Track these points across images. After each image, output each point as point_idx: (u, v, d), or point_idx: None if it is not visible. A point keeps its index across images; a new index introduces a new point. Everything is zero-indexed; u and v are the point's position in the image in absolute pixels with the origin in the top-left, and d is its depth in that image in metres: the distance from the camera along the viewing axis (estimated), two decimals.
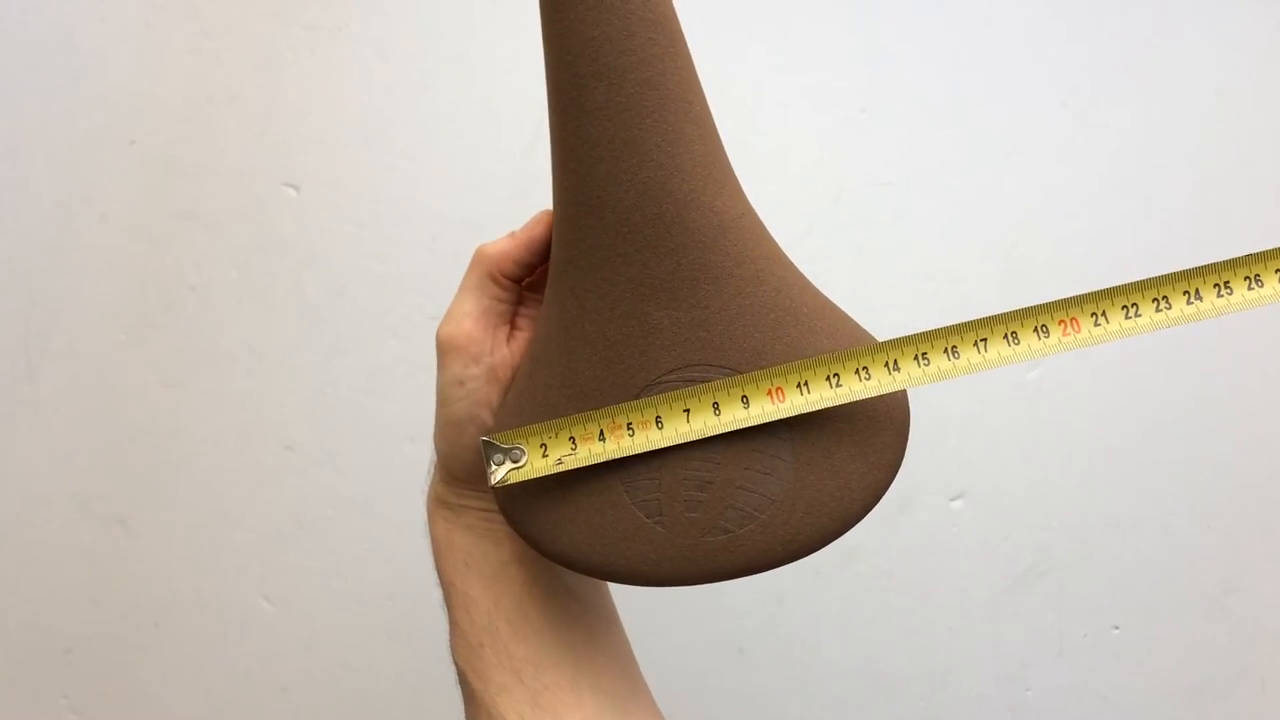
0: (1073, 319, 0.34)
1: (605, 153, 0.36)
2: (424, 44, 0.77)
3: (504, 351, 0.39)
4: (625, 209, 0.36)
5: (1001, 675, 0.79)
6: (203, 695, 0.78)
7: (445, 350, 0.38)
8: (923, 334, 0.34)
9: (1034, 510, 0.79)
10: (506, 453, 0.35)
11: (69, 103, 0.77)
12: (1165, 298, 0.34)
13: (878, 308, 0.78)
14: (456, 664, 0.40)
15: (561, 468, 0.34)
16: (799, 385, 0.34)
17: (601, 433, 0.35)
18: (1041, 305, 0.34)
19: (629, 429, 0.34)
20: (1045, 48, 0.79)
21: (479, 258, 0.39)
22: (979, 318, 0.34)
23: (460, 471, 0.40)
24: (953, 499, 0.78)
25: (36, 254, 0.77)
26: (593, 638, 0.40)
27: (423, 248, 0.77)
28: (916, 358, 0.34)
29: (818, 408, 0.34)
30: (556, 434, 0.35)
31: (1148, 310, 0.34)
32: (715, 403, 0.34)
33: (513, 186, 0.77)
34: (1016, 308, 0.34)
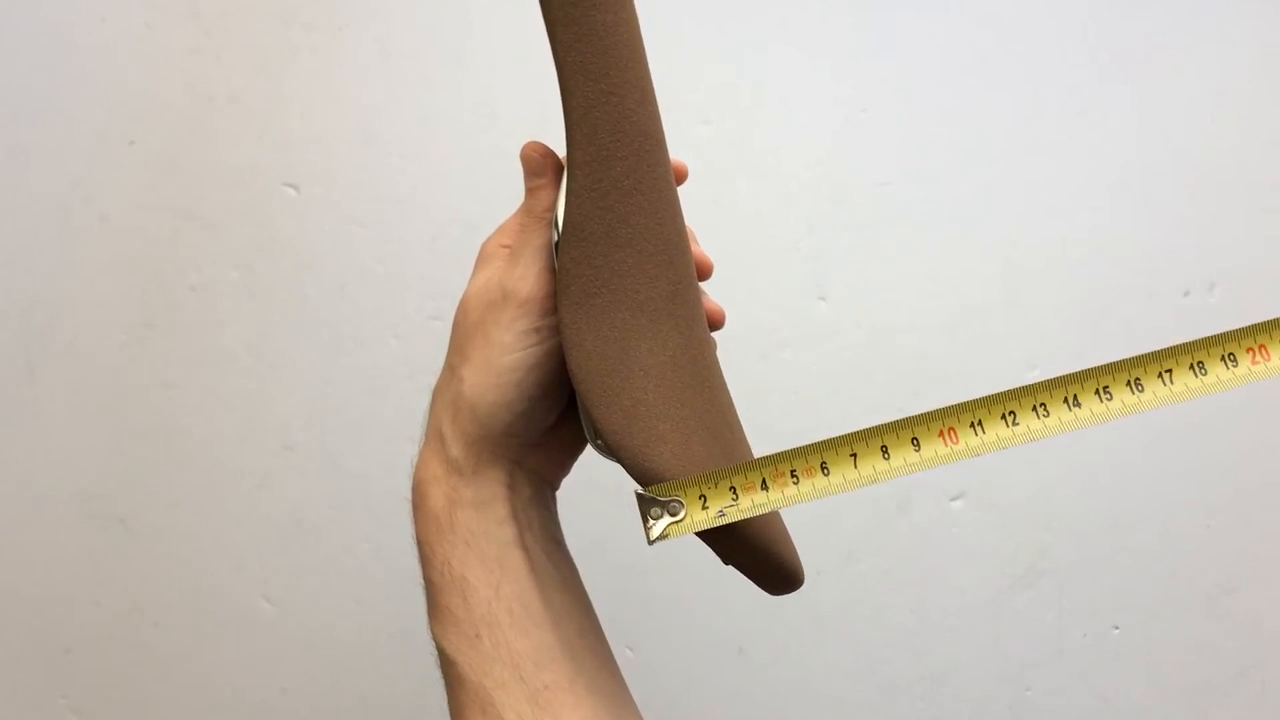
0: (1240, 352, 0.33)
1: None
2: (424, 44, 0.77)
3: None
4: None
5: (1001, 675, 0.79)
6: (203, 695, 0.78)
7: (523, 303, 0.38)
8: (1101, 367, 0.33)
9: (1034, 510, 0.79)
10: (664, 505, 0.34)
11: (69, 103, 0.77)
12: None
13: (878, 307, 0.78)
14: (443, 649, 0.39)
15: (723, 520, 0.33)
16: (972, 425, 0.33)
17: (764, 481, 0.34)
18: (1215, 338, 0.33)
19: (793, 476, 0.34)
20: (1045, 48, 0.79)
21: (539, 220, 0.39)
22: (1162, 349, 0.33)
23: (506, 421, 0.38)
24: (953, 499, 0.78)
25: (36, 254, 0.77)
26: (585, 634, 0.39)
27: (423, 248, 0.77)
28: (1098, 391, 0.33)
29: (993, 450, 0.33)
30: (716, 484, 0.33)
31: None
32: (884, 446, 0.33)
33: (513, 186, 0.77)
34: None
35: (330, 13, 0.77)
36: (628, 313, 0.36)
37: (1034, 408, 0.33)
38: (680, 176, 0.43)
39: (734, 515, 0.33)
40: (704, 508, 0.33)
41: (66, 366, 0.77)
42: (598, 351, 0.36)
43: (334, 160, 0.77)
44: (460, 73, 0.77)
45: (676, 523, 0.33)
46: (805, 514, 0.78)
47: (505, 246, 0.41)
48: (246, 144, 0.77)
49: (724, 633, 0.78)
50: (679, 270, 0.38)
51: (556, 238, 0.38)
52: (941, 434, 0.33)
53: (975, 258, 0.78)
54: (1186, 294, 0.79)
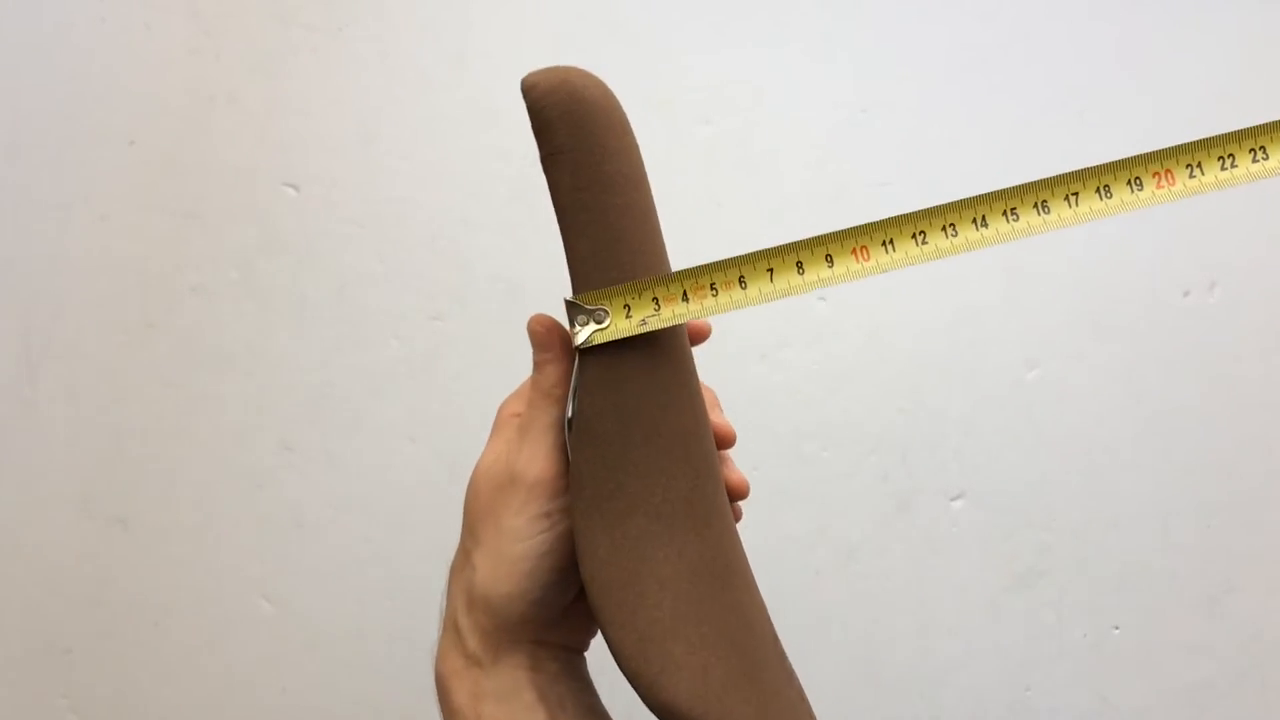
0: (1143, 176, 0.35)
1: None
2: (424, 44, 0.77)
3: None
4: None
5: (1001, 675, 0.79)
6: (203, 695, 0.78)
7: (531, 486, 0.37)
8: (1009, 189, 0.35)
9: (1034, 510, 0.79)
10: (590, 314, 0.35)
11: (69, 103, 0.77)
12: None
13: (878, 307, 0.78)
14: None
15: (645, 328, 0.34)
16: (884, 244, 0.34)
17: (685, 293, 0.35)
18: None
19: (713, 289, 0.35)
20: (1045, 47, 0.79)
21: (546, 396, 0.38)
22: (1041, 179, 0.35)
23: (520, 612, 0.37)
24: (953, 499, 0.78)
25: (36, 254, 0.77)
26: None
27: (423, 248, 0.77)
28: (1005, 213, 0.34)
29: (904, 266, 0.34)
30: (640, 295, 0.35)
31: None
32: (799, 261, 0.35)
33: (513, 186, 0.77)
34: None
35: (330, 13, 0.77)
36: (644, 518, 0.35)
37: (943, 228, 0.34)
38: (702, 334, 0.42)
39: (654, 324, 0.34)
40: (628, 317, 0.35)
41: (66, 366, 0.77)
42: (612, 561, 0.35)
43: (334, 160, 0.77)
44: (460, 73, 0.77)
45: (601, 330, 0.35)
46: (805, 514, 0.78)
47: (517, 415, 0.40)
48: (246, 144, 0.77)
49: None
50: (697, 462, 0.37)
51: (571, 413, 0.37)
52: (854, 251, 0.35)
53: (975, 258, 0.78)
54: (1186, 294, 0.79)
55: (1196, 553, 0.79)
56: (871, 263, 0.34)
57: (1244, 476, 0.79)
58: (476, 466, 0.40)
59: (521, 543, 0.37)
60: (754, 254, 0.35)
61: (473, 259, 0.77)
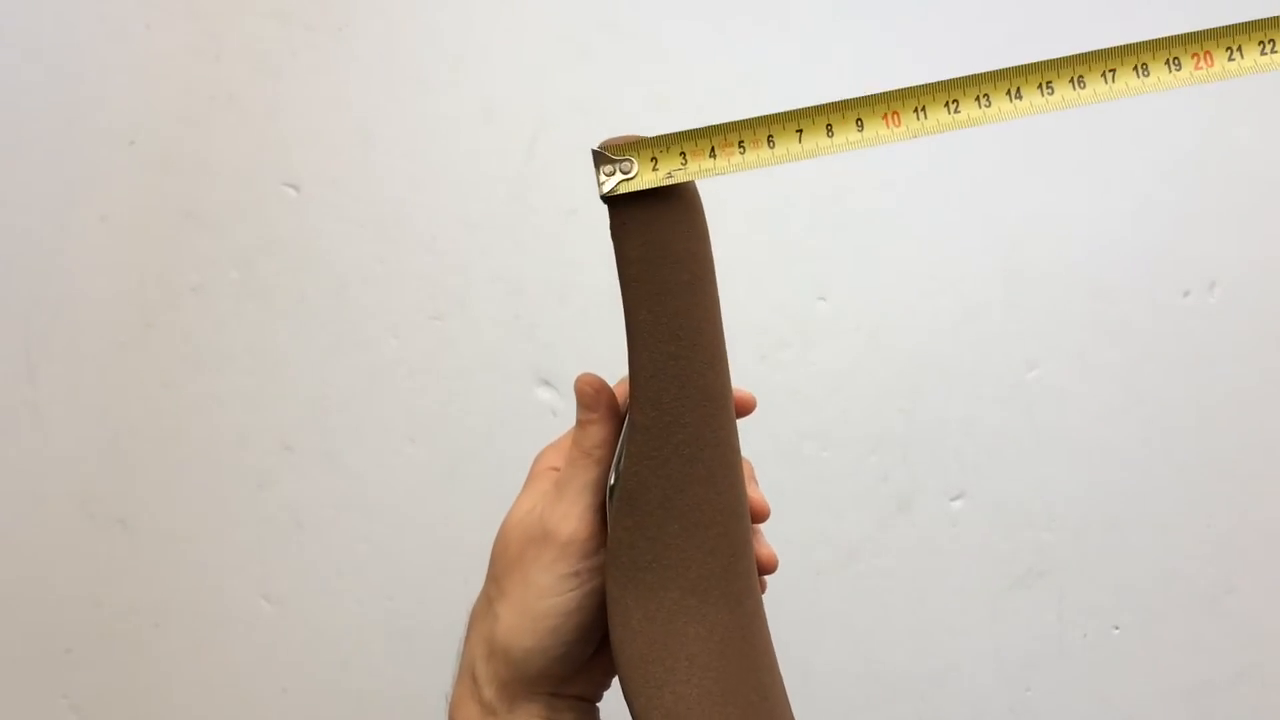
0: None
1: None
2: (424, 44, 0.77)
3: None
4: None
5: (1001, 675, 0.79)
6: (203, 695, 0.78)
7: (564, 545, 0.37)
8: (1045, 62, 0.35)
9: (1034, 510, 0.79)
10: (617, 164, 0.35)
11: (69, 103, 0.77)
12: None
13: (878, 307, 0.78)
14: None
15: (671, 180, 0.35)
16: (916, 110, 0.35)
17: (713, 149, 0.35)
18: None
19: (740, 147, 0.35)
20: (1044, 47, 0.79)
21: (587, 456, 0.38)
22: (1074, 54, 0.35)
23: (540, 666, 0.38)
24: (953, 499, 0.78)
25: (36, 254, 0.77)
26: None
27: (423, 248, 0.77)
28: (1040, 86, 0.34)
29: (935, 133, 0.34)
30: (667, 149, 0.35)
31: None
32: (829, 124, 0.35)
33: (513, 187, 0.77)
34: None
35: (330, 13, 0.77)
36: (678, 592, 0.35)
37: (977, 97, 0.34)
38: (748, 407, 0.42)
39: (680, 178, 0.35)
40: (654, 169, 0.35)
41: (66, 366, 0.77)
42: (643, 633, 0.35)
43: (334, 160, 0.77)
44: (460, 73, 0.77)
45: (628, 179, 0.35)
46: (805, 514, 0.78)
47: (555, 469, 0.40)
48: (246, 144, 0.77)
49: None
50: (734, 540, 0.37)
51: (614, 480, 0.37)
52: (885, 117, 0.35)
53: (975, 258, 0.78)
54: (1186, 294, 0.79)
55: (1196, 553, 0.79)
56: (902, 128, 0.35)
57: (1244, 476, 0.79)
58: (508, 517, 0.40)
59: (549, 599, 0.37)
60: (783, 114, 0.35)
61: (473, 259, 0.77)
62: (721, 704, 0.35)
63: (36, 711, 0.77)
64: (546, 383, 0.76)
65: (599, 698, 0.41)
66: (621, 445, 0.38)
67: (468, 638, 0.40)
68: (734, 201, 0.77)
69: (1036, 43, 0.80)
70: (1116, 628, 0.79)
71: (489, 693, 0.38)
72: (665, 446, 0.36)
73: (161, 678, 0.78)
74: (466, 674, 0.39)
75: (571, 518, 0.37)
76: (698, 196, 0.38)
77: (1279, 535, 0.79)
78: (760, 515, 0.40)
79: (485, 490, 0.74)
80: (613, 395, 0.40)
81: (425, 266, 0.77)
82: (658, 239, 0.36)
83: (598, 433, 0.39)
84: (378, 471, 0.77)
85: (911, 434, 0.77)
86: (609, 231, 0.37)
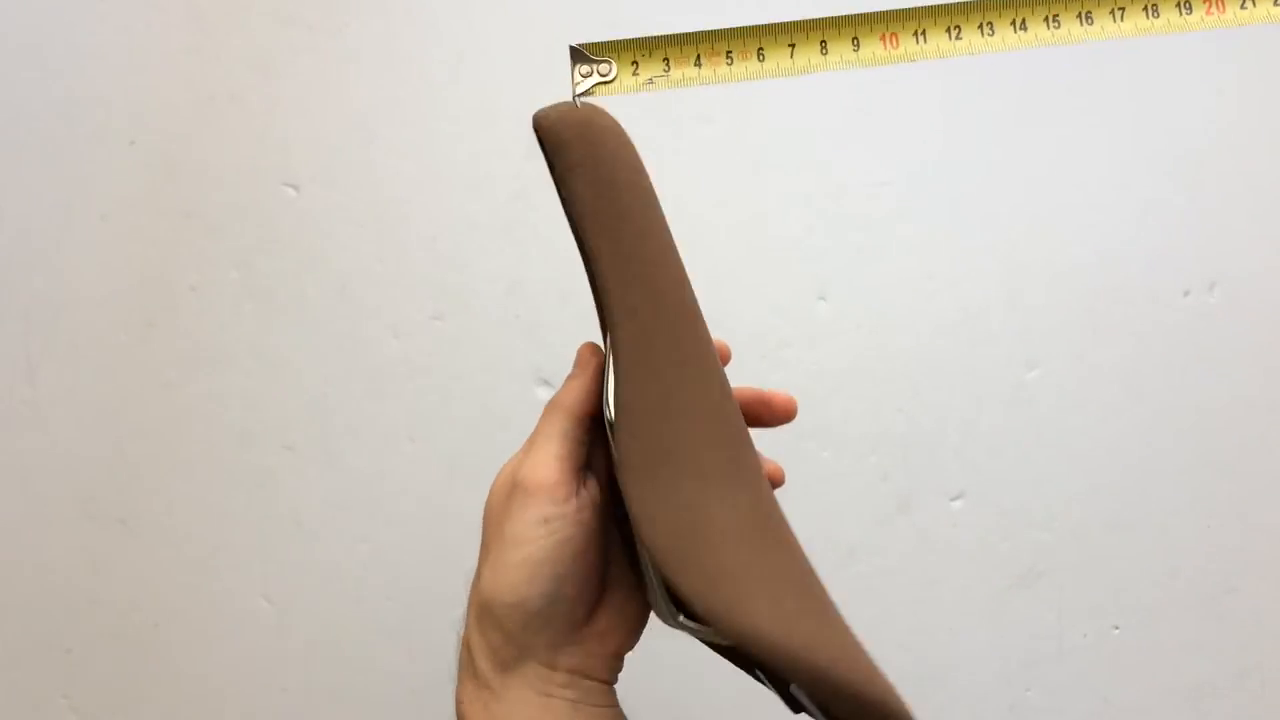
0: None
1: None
2: (424, 44, 0.77)
3: (585, 492, 0.39)
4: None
5: (1001, 675, 0.79)
6: (203, 695, 0.78)
7: (532, 492, 0.37)
8: None
9: (1034, 510, 0.79)
10: (595, 64, 0.33)
11: (69, 103, 0.77)
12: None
13: (878, 307, 0.78)
14: None
15: (652, 88, 0.33)
16: (916, 34, 0.33)
17: (699, 57, 0.33)
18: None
19: (728, 57, 0.33)
20: (1044, 47, 0.79)
21: (558, 407, 0.39)
22: None
23: (522, 621, 0.37)
24: (953, 499, 0.78)
25: (36, 254, 0.77)
26: None
27: (423, 248, 0.77)
28: (1046, 19, 0.33)
29: (932, 58, 0.33)
30: (651, 52, 0.33)
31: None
32: (824, 40, 0.33)
33: (513, 186, 0.77)
34: None
35: (330, 13, 0.77)
36: (694, 480, 0.36)
37: (979, 25, 0.33)
38: (724, 357, 0.42)
39: (662, 85, 0.33)
40: (635, 74, 0.33)
41: (66, 366, 0.77)
42: (670, 523, 0.35)
43: (334, 160, 0.77)
44: (460, 73, 0.77)
45: (605, 82, 0.33)
46: (805, 514, 0.78)
47: None
48: (246, 144, 0.77)
49: None
50: (734, 434, 0.38)
51: (611, 415, 0.38)
52: (883, 37, 0.33)
53: (975, 258, 0.78)
54: (1186, 294, 0.79)
55: (1196, 553, 0.79)
56: (900, 50, 0.33)
57: (1244, 476, 0.79)
58: (492, 484, 0.40)
59: (523, 548, 0.37)
60: (777, 25, 0.33)
61: (473, 259, 0.77)
62: (760, 566, 0.35)
63: (36, 711, 0.77)
64: (546, 383, 0.76)
65: (602, 676, 0.40)
66: (607, 384, 0.38)
67: (465, 614, 0.40)
68: (734, 201, 0.77)
69: None
70: (1116, 628, 0.79)
71: (483, 664, 0.38)
72: (651, 354, 0.37)
73: (161, 678, 0.78)
74: (464, 650, 0.39)
75: (539, 464, 0.38)
76: (625, 133, 0.38)
77: (1279, 535, 0.79)
78: (776, 480, 0.41)
79: (485, 490, 0.74)
80: (601, 357, 0.40)
81: (425, 266, 0.77)
82: (604, 175, 0.36)
83: (576, 386, 0.40)
84: (378, 471, 0.77)
85: (911, 434, 0.77)
86: (550, 174, 0.36)
